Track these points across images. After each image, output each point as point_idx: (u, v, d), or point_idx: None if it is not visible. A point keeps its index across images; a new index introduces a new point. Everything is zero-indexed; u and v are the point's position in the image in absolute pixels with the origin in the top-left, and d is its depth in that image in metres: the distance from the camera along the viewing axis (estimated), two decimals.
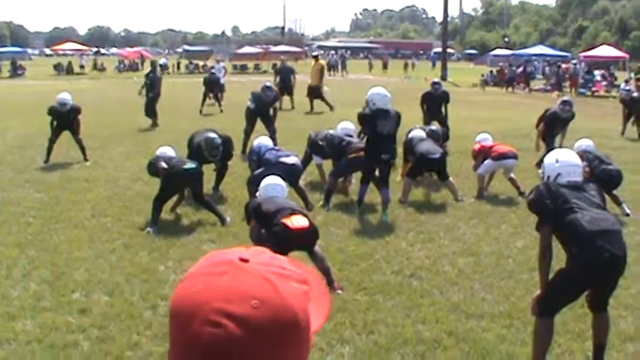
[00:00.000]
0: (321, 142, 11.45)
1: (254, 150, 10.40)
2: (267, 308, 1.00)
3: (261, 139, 10.76)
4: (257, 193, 7.53)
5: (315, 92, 24.73)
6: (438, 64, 62.45)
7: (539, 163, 8.73)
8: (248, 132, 14.89)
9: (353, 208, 10.14)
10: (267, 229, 6.74)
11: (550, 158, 5.47)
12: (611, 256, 4.79)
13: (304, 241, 6.81)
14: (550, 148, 11.48)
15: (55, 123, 13.86)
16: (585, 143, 10.64)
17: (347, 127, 11.66)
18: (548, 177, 5.33)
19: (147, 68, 28.48)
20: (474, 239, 8.85)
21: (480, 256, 8.10)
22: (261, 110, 15.18)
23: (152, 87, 20.05)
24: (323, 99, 24.50)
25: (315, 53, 28.03)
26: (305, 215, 6.96)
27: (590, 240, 4.81)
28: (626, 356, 5.50)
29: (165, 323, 5.78)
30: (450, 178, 11.03)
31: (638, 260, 7.83)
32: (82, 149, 13.95)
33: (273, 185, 7.36)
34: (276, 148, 10.79)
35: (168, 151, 9.93)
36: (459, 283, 7.16)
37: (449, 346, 5.63)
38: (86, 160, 13.85)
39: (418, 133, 11.63)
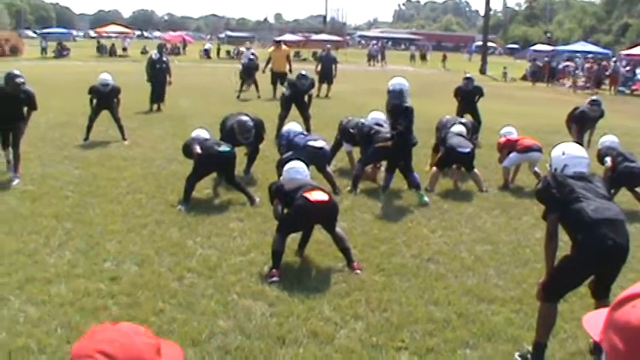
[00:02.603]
0: (351, 130, 11.72)
1: (283, 135, 10.74)
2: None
3: (291, 125, 11.09)
4: (281, 177, 7.90)
5: (281, 79, 22.64)
6: (474, 57, 62.49)
7: None
8: (282, 117, 15.18)
9: (379, 194, 10.39)
10: (290, 205, 7.10)
11: (557, 151, 5.70)
12: (615, 244, 4.99)
13: (324, 214, 7.18)
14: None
15: (94, 102, 14.27)
16: (610, 139, 10.80)
17: (377, 116, 11.86)
18: (555, 169, 5.56)
19: (191, 52, 28.06)
20: (494, 229, 9.06)
21: (498, 245, 8.32)
22: (296, 97, 15.48)
23: (168, 71, 20.23)
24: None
25: (277, 39, 27.29)
26: (325, 192, 7.31)
27: (594, 227, 5.00)
28: None
29: (191, 293, 6.18)
30: (476, 170, 11.23)
31: None
32: (121, 129, 14.34)
33: (295, 169, 7.70)
34: (305, 132, 11.11)
35: (202, 133, 10.27)
36: (474, 269, 7.40)
37: (457, 326, 5.88)
38: (124, 139, 14.25)
39: (457, 127, 11.79)
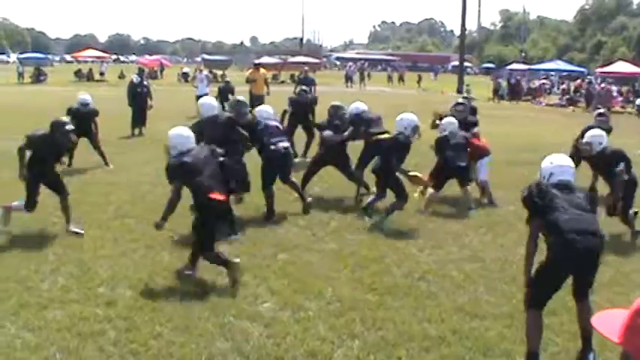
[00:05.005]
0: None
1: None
2: None
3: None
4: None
5: (259, 102, 22.47)
6: (440, 77, 63.09)
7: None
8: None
9: (364, 215, 10.47)
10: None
11: (546, 161, 6.09)
12: (584, 248, 5.40)
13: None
14: None
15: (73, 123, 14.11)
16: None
17: (361, 106, 12.23)
18: (544, 177, 5.94)
19: (168, 76, 28.19)
20: (480, 246, 9.19)
21: (486, 262, 8.44)
22: (301, 113, 15.33)
23: (149, 95, 20.45)
24: None
25: (256, 61, 27.64)
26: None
27: (566, 234, 5.40)
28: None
29: (187, 316, 6.22)
30: (468, 187, 11.32)
31: (637, 270, 8.26)
32: (102, 155, 14.33)
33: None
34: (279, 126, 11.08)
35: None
36: (465, 287, 7.51)
37: (452, 343, 5.98)
38: (107, 164, 14.24)
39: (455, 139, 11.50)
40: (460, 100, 14.42)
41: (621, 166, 9.48)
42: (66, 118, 9.90)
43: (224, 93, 25.35)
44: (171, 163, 7.53)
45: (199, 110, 10.63)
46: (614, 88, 41.51)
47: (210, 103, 10.80)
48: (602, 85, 41.09)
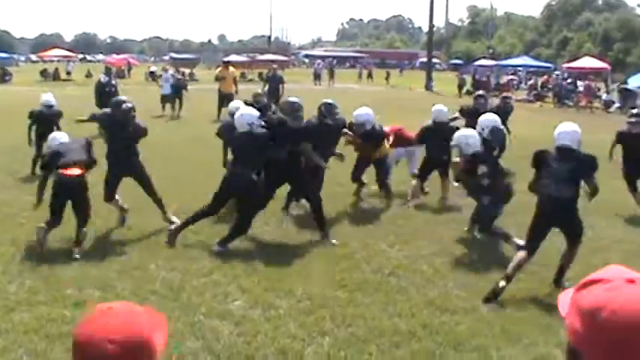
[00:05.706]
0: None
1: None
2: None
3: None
4: None
5: (228, 100, 20.45)
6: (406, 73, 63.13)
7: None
8: None
9: (335, 212, 10.48)
10: None
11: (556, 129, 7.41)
12: (555, 210, 7.17)
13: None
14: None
15: (35, 128, 13.41)
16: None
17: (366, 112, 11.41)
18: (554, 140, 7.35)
19: (136, 75, 27.98)
20: (450, 241, 9.23)
21: (456, 257, 8.49)
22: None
23: (116, 94, 20.19)
24: None
25: (225, 59, 27.28)
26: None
27: (544, 196, 7.26)
28: None
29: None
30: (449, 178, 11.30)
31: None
32: None
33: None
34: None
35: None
36: (435, 282, 7.54)
37: (423, 337, 6.00)
38: None
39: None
40: (481, 92, 14.85)
41: (482, 169, 8.81)
42: (124, 97, 10.36)
43: (177, 88, 25.60)
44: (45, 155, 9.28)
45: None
46: (579, 82, 41.91)
47: (240, 117, 9.27)
48: (569, 80, 41.42)
